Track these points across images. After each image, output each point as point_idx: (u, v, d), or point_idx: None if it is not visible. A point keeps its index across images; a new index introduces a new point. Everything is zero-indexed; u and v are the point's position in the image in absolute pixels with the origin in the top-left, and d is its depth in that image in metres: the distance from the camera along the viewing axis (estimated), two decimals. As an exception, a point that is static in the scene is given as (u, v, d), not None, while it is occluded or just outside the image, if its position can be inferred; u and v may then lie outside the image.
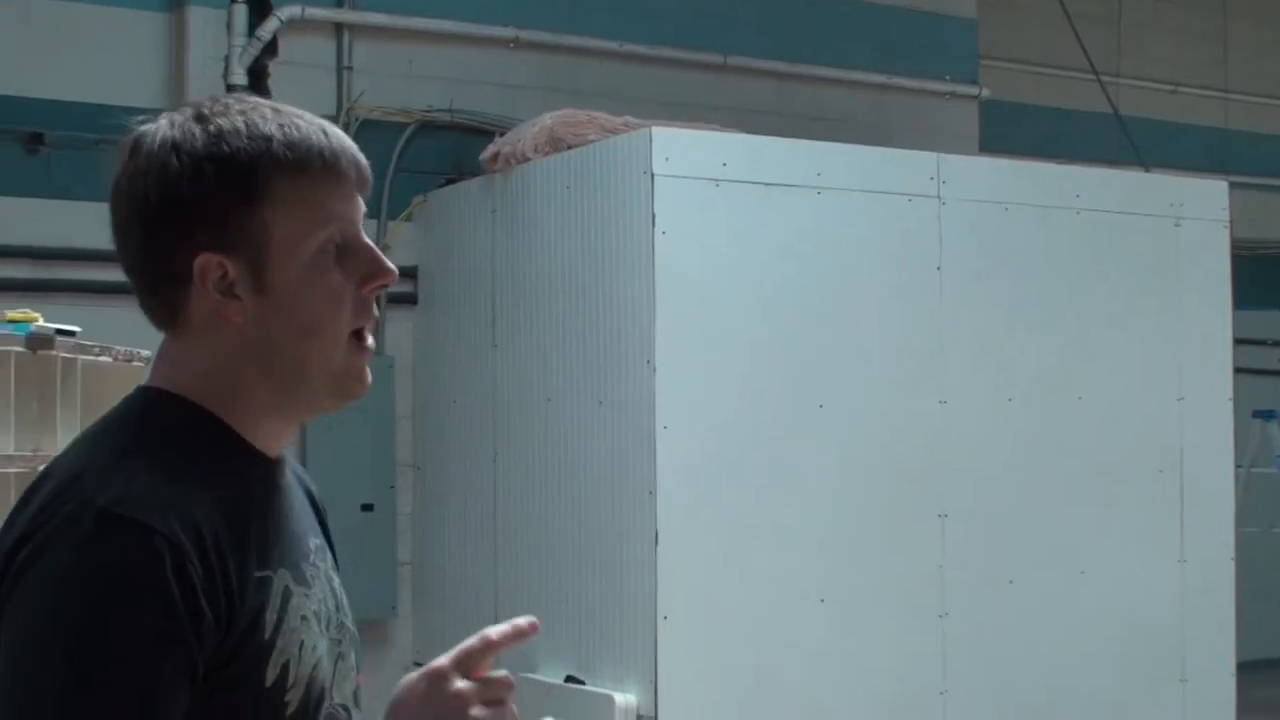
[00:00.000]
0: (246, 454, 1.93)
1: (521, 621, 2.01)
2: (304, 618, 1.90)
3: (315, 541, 2.02)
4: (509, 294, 6.59)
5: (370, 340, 1.95)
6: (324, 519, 2.13)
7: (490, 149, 6.70)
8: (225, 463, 1.89)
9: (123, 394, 5.68)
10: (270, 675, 1.83)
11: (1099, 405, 6.54)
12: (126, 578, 1.73)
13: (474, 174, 6.97)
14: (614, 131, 6.25)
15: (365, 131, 7.15)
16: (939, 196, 6.31)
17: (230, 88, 6.93)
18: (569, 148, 6.31)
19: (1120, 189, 6.83)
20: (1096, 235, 6.61)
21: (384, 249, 6.98)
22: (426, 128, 7.31)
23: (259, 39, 6.95)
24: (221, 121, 1.89)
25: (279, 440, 1.98)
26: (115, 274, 6.13)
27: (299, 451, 7.00)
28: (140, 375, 5.24)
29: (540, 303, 6.36)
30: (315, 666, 1.90)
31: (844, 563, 6.03)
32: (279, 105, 1.94)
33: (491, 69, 7.43)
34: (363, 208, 1.96)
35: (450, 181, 7.20)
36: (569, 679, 6.00)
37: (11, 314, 4.84)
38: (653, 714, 5.66)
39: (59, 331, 4.61)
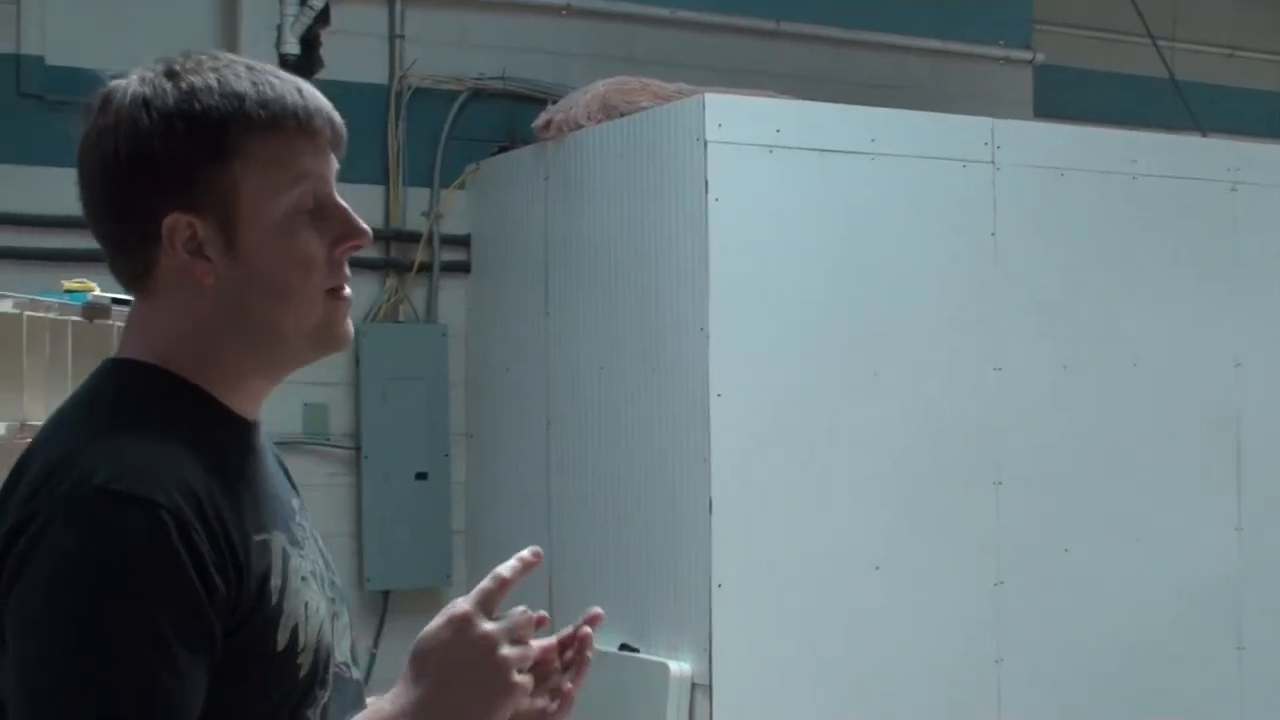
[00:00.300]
0: (226, 418, 1.91)
1: (525, 553, 1.97)
2: (304, 578, 1.89)
3: (296, 501, 2.02)
4: (562, 262, 6.59)
5: (348, 292, 1.94)
6: (292, 480, 2.10)
7: (543, 117, 6.69)
8: (207, 429, 1.87)
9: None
10: (281, 640, 1.82)
11: (1155, 371, 6.50)
12: (135, 553, 1.70)
13: (526, 142, 6.97)
14: (667, 98, 6.23)
15: (417, 100, 7.16)
16: (994, 162, 6.27)
17: (283, 57, 6.94)
18: (622, 115, 6.30)
19: (1177, 154, 6.77)
20: (1153, 200, 6.56)
21: (436, 218, 7.06)
22: (479, 96, 7.30)
23: (311, 8, 6.95)
24: (194, 78, 1.86)
25: (257, 401, 1.97)
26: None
27: (352, 421, 7.02)
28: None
29: (593, 270, 6.35)
30: (320, 628, 1.89)
31: (899, 530, 6.01)
32: (253, 63, 1.91)
33: (544, 36, 7.41)
34: (336, 167, 1.95)
35: (503, 150, 7.19)
36: (623, 647, 6.01)
37: (68, 284, 4.87)
38: (707, 682, 5.66)
39: (115, 301, 4.63)
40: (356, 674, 2.01)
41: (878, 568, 5.95)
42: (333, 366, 6.98)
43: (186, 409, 1.87)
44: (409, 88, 7.16)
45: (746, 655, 5.71)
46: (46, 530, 1.71)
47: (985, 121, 6.37)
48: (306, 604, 1.87)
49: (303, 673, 1.85)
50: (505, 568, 1.95)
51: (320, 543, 2.02)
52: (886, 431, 6.00)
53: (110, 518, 1.70)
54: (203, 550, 1.73)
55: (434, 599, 7.10)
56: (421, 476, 7.08)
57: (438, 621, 1.89)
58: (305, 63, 7.02)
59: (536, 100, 7.11)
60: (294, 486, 2.07)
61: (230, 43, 6.97)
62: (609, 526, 6.21)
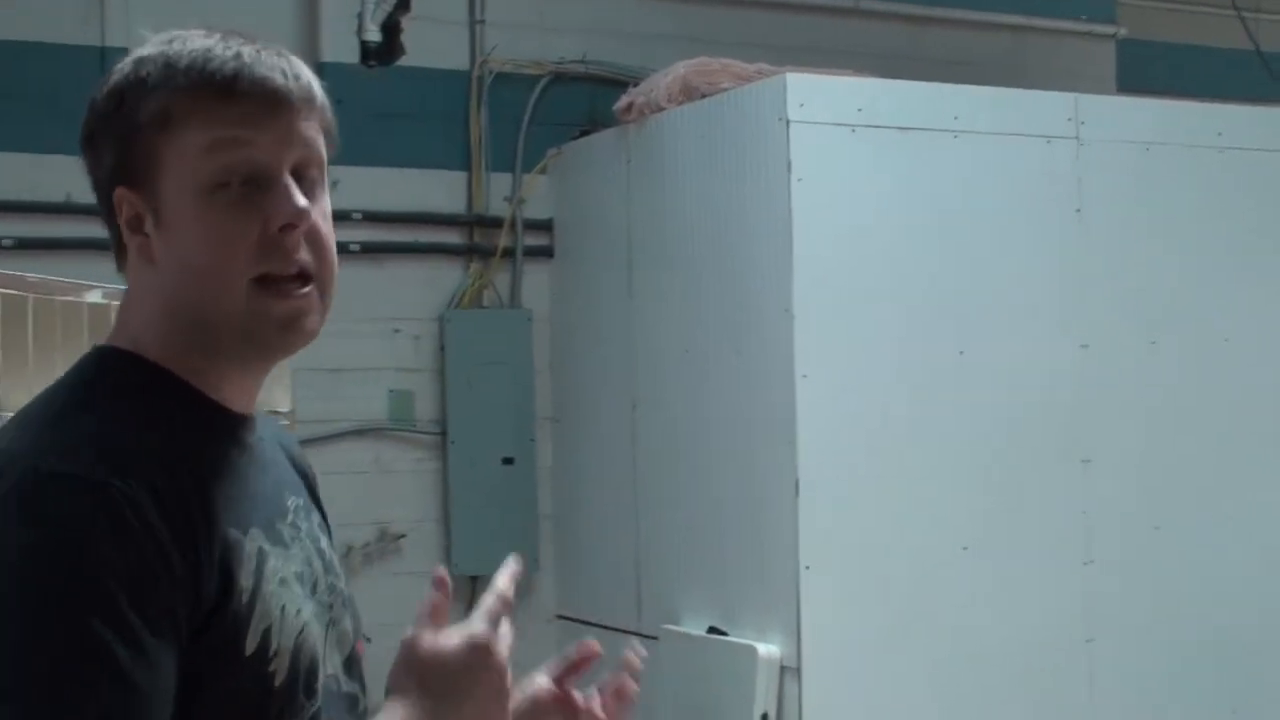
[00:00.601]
0: (204, 408, 1.81)
1: (511, 565, 1.99)
2: (283, 580, 1.77)
3: (295, 500, 1.91)
4: (645, 245, 6.58)
5: (305, 288, 1.78)
6: (311, 483, 2.02)
7: (624, 99, 6.69)
8: (181, 418, 1.77)
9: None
10: (250, 644, 1.71)
11: (1245, 346, 6.43)
12: (89, 537, 1.60)
13: (608, 125, 6.96)
14: (748, 79, 6.21)
15: (498, 85, 7.17)
16: (1078, 137, 6.22)
17: (364, 45, 6.95)
18: (703, 96, 6.28)
19: (1264, 126, 6.69)
20: (1240, 173, 6.49)
21: (519, 203, 7.06)
22: (560, 80, 7.30)
23: (392, -5, 6.97)
24: (150, 48, 1.80)
25: (238, 392, 1.84)
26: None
27: (438, 407, 7.05)
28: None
29: (676, 253, 6.35)
30: (301, 633, 1.77)
31: (987, 510, 5.98)
32: (237, 33, 1.82)
33: (624, 19, 7.41)
34: (300, 143, 1.79)
35: (584, 133, 7.19)
36: (711, 630, 6.01)
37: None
38: (796, 664, 5.65)
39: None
40: (350, 687, 1.90)
41: (966, 548, 5.92)
42: (418, 353, 7.02)
43: (155, 396, 1.77)
44: (490, 73, 7.17)
45: (835, 637, 5.70)
46: (2, 521, 1.63)
47: (1069, 97, 6.32)
48: (284, 608, 1.75)
49: (278, 680, 1.73)
50: (501, 584, 1.95)
51: (322, 544, 1.92)
52: (973, 411, 5.97)
53: (62, 503, 1.62)
54: (160, 533, 1.63)
55: (522, 584, 7.10)
56: (508, 461, 7.10)
57: (457, 643, 1.82)
58: (386, 50, 7.04)
59: (617, 83, 7.11)
60: (308, 485, 1.99)
61: (311, 31, 7.01)
62: (695, 509, 6.21)
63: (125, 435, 1.70)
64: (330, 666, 1.84)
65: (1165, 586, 6.24)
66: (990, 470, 5.99)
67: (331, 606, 1.87)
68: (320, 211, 1.83)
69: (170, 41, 1.79)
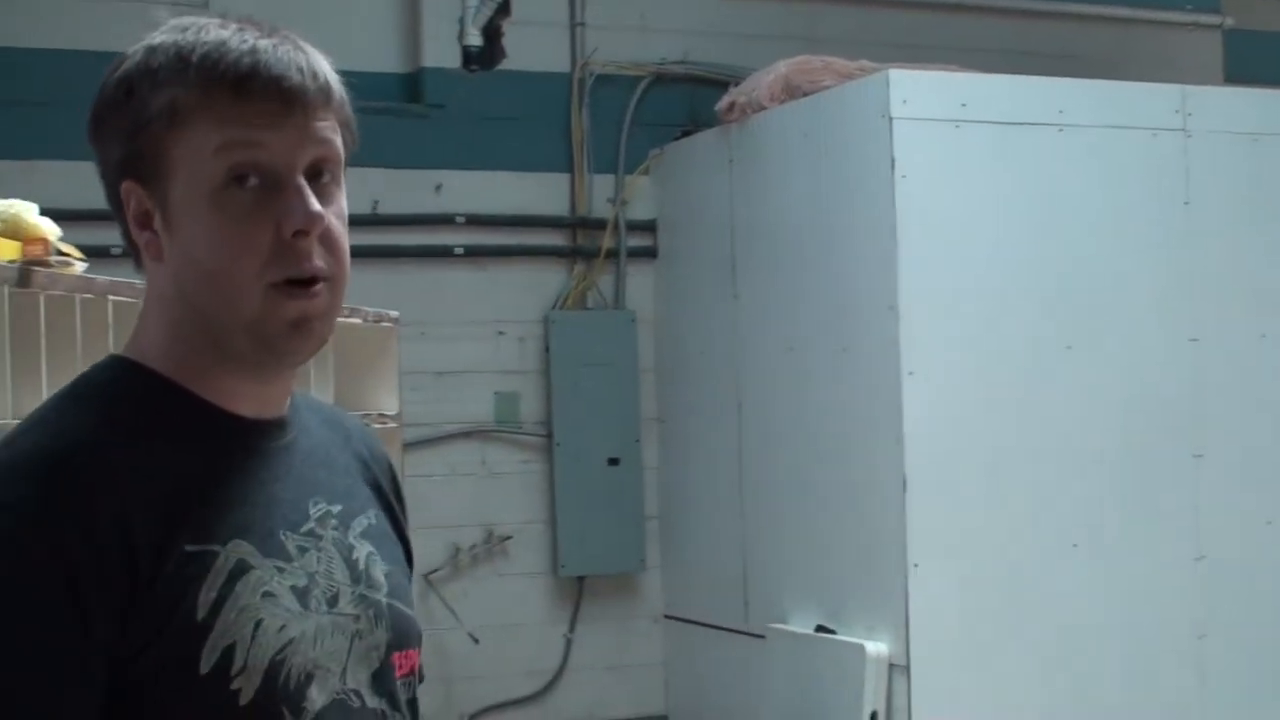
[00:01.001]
0: (203, 416, 1.72)
1: None
2: (268, 594, 1.66)
3: (327, 507, 1.79)
4: (748, 244, 6.57)
5: (316, 288, 1.70)
6: (381, 486, 1.94)
7: (725, 99, 6.68)
8: (168, 426, 1.68)
9: (373, 354, 5.76)
10: (206, 662, 1.61)
11: (1359, 339, 6.35)
12: None
13: (709, 125, 6.96)
14: (849, 76, 6.19)
15: (600, 87, 7.18)
16: (1185, 130, 6.16)
17: (465, 49, 7.00)
18: (805, 94, 6.27)
19: (1376, 114, 6.60)
20: (1352, 163, 6.40)
21: (621, 204, 7.07)
22: (661, 81, 7.31)
23: (492, -1, 7.01)
24: (164, 37, 1.70)
25: (250, 398, 1.76)
26: (363, 237, 6.22)
27: (544, 408, 7.07)
28: (390, 336, 5.33)
29: (780, 252, 6.34)
30: (284, 649, 1.66)
31: (1096, 506, 5.93)
32: (253, 23, 1.74)
33: (724, 19, 7.40)
34: (316, 143, 1.72)
35: (686, 134, 7.19)
36: (819, 628, 5.99)
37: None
38: (905, 662, 5.63)
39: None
40: (376, 702, 1.77)
41: (1075, 544, 5.88)
42: (523, 355, 7.04)
43: (148, 407, 1.69)
44: (591, 75, 7.18)
45: (944, 635, 5.67)
46: None
47: (1175, 89, 6.25)
48: (260, 623, 1.64)
49: (244, 699, 1.62)
50: None
51: (356, 553, 1.80)
52: (1082, 406, 5.92)
53: None
54: (74, 553, 1.55)
55: (628, 584, 7.13)
56: (613, 462, 7.11)
57: None
58: (488, 54, 7.08)
59: (718, 83, 7.10)
60: (378, 494, 1.92)
61: (413, 37, 7.06)
62: (802, 508, 6.19)
63: (82, 455, 1.60)
64: (351, 681, 1.73)
65: (1278, 582, 6.16)
66: (1100, 466, 5.94)
67: (358, 619, 1.76)
68: (335, 212, 1.74)
69: (184, 30, 1.71)
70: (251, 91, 1.67)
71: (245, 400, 1.75)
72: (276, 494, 1.74)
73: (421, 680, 1.90)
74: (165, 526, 1.61)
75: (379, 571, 1.82)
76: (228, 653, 1.62)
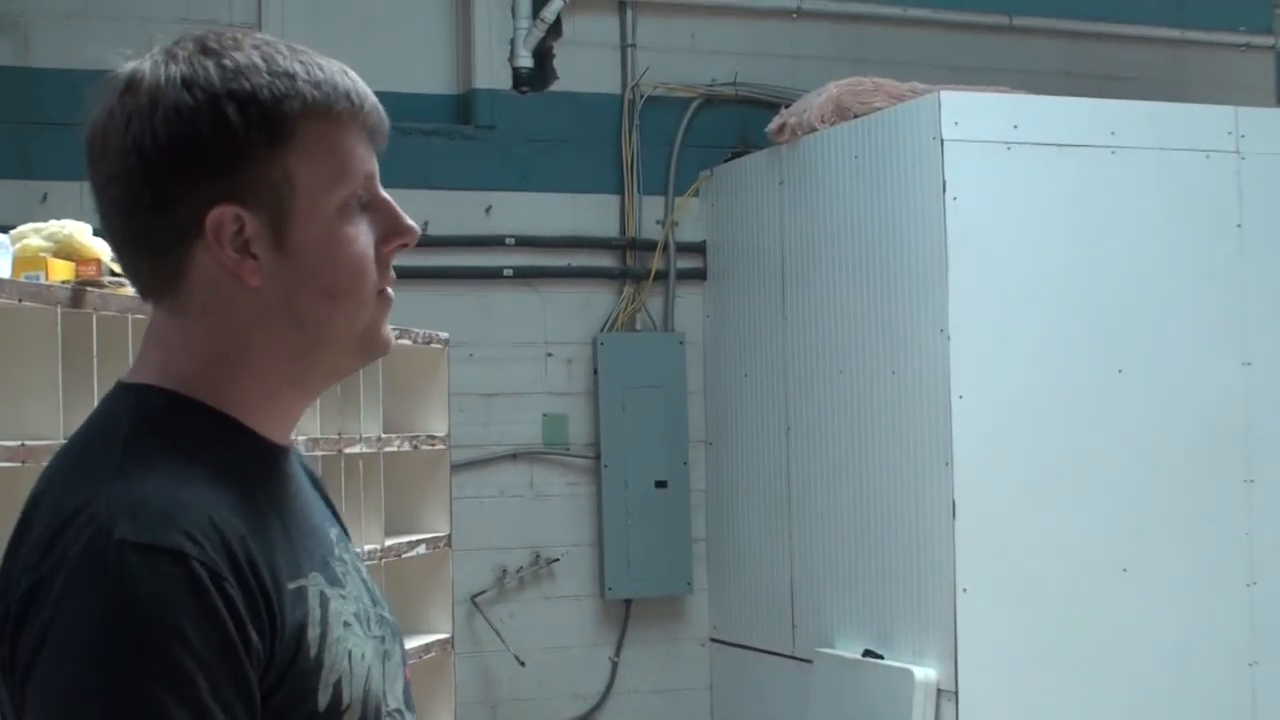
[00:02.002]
0: (256, 446, 1.70)
1: None
2: (346, 623, 1.67)
3: (335, 531, 1.80)
4: (798, 266, 6.56)
5: (391, 293, 1.73)
6: (330, 501, 1.89)
7: (776, 120, 6.68)
8: (235, 463, 1.66)
9: (422, 376, 5.76)
10: (323, 699, 1.61)
11: None
12: (172, 613, 1.49)
13: (760, 146, 6.96)
14: (900, 98, 6.18)
15: (650, 108, 7.19)
16: (1238, 151, 6.13)
17: (516, 71, 7.01)
18: (855, 116, 6.26)
19: None
20: (1407, 186, 6.36)
21: (671, 226, 7.07)
22: (711, 102, 7.31)
23: (543, 20, 7.01)
24: (237, 55, 1.64)
25: (291, 420, 1.76)
26: (413, 258, 6.23)
27: (592, 430, 7.07)
28: (440, 357, 5.34)
29: (830, 274, 6.32)
30: (367, 677, 1.68)
31: (1146, 531, 5.89)
32: (293, 44, 1.70)
33: (775, 40, 7.40)
34: (378, 156, 1.76)
35: (736, 155, 7.19)
36: (867, 653, 5.97)
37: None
38: (953, 688, 5.60)
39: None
40: (410, 718, 1.80)
41: (1125, 570, 5.84)
42: (572, 377, 7.04)
43: (211, 441, 1.66)
44: (642, 96, 7.19)
45: (992, 660, 5.64)
46: (67, 594, 1.51)
47: (1228, 110, 6.22)
48: (350, 653, 1.66)
49: None
50: None
51: (364, 572, 1.81)
52: (1132, 430, 5.89)
53: (137, 575, 1.50)
54: (238, 604, 1.53)
55: (676, 607, 7.11)
56: (661, 485, 7.10)
57: None
58: (538, 76, 7.09)
59: (769, 104, 7.11)
60: (334, 512, 1.88)
61: (464, 58, 7.08)
62: (850, 532, 6.17)
63: (193, 492, 1.58)
64: (392, 701, 1.75)
65: (1333, 609, 6.12)
66: (1150, 491, 5.90)
67: (383, 639, 1.76)
68: None
69: (256, 49, 1.67)
70: (362, 114, 1.71)
71: (285, 426, 1.74)
72: (312, 521, 1.75)
73: None
74: (271, 565, 1.60)
75: (378, 590, 1.83)
76: (337, 687, 1.63)
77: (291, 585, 1.61)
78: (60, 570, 1.51)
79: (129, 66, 1.66)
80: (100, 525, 1.52)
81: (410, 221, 1.74)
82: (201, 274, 1.65)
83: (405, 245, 1.73)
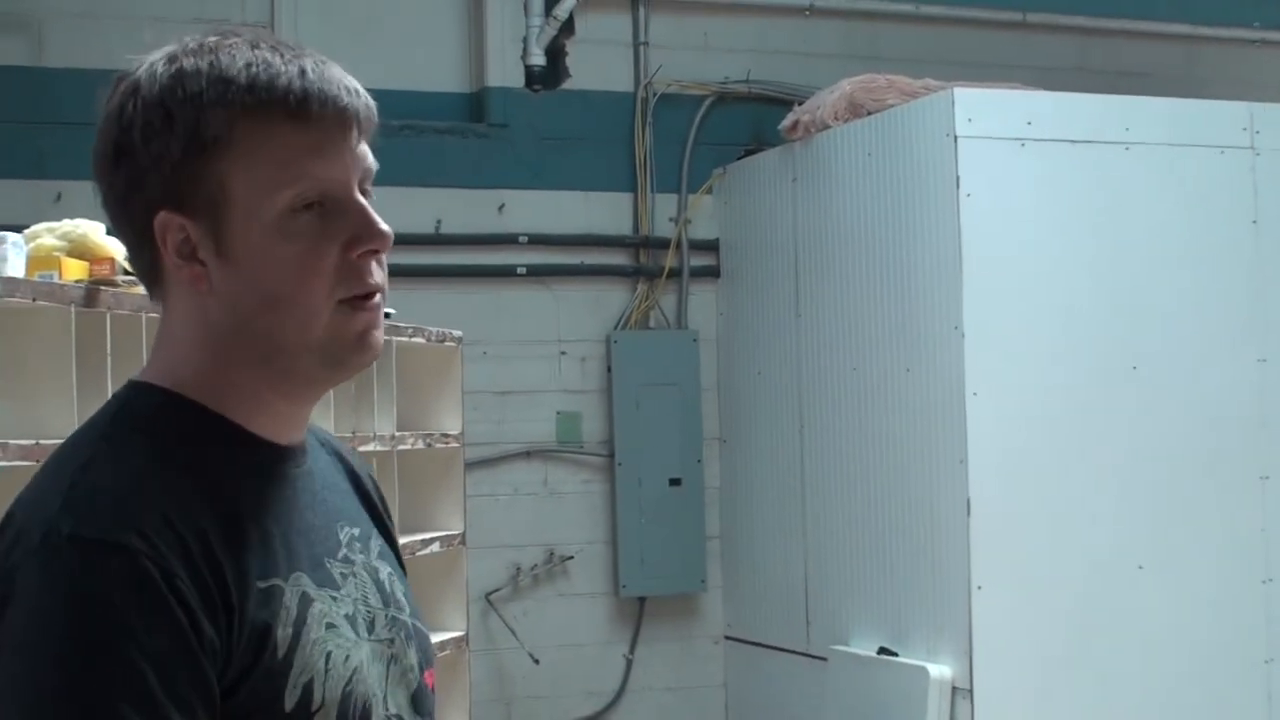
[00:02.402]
0: (248, 445, 1.69)
1: None
2: (330, 625, 1.65)
3: (351, 531, 1.78)
4: (811, 263, 6.55)
5: (376, 300, 1.69)
6: (374, 500, 1.90)
7: (789, 118, 6.67)
8: (216, 460, 1.65)
9: (436, 374, 5.76)
10: (290, 700, 1.59)
11: None
12: (121, 610, 1.49)
13: (773, 144, 6.95)
14: (914, 95, 6.17)
15: (663, 106, 7.19)
16: (1253, 147, 6.11)
17: (529, 69, 7.01)
18: (869, 113, 6.25)
19: None
20: None
21: (684, 223, 7.06)
22: (724, 100, 7.31)
23: (555, 19, 7.01)
24: (187, 62, 1.62)
25: (288, 423, 1.73)
26: (426, 256, 6.25)
27: (606, 428, 7.06)
28: (453, 356, 5.34)
29: (843, 271, 6.31)
30: (351, 680, 1.65)
31: (1161, 528, 5.89)
32: (280, 42, 1.67)
33: (788, 38, 7.39)
34: (362, 160, 1.69)
35: (749, 153, 7.18)
36: (882, 650, 5.96)
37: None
38: (968, 685, 5.59)
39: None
40: None
41: (1141, 567, 5.83)
42: (585, 375, 7.04)
43: (194, 441, 1.65)
44: (654, 94, 7.19)
45: (1007, 658, 5.63)
46: (17, 589, 1.51)
47: (1243, 106, 6.21)
48: (329, 655, 1.63)
49: None
50: None
51: (382, 575, 1.79)
52: (1148, 427, 5.88)
53: (85, 570, 1.49)
54: (190, 599, 1.52)
55: (689, 604, 7.11)
56: (675, 482, 7.10)
57: None
58: (551, 74, 7.09)
59: (782, 102, 7.10)
60: (371, 510, 1.87)
61: (477, 56, 7.07)
62: (865, 530, 6.16)
63: (152, 487, 1.57)
64: (392, 706, 1.72)
65: (1349, 606, 6.11)
66: (1166, 487, 5.90)
67: (393, 642, 1.74)
68: None
69: (214, 52, 1.64)
70: (309, 114, 1.63)
71: (281, 427, 1.72)
72: (313, 521, 1.72)
73: None
74: (238, 563, 1.59)
75: (400, 592, 1.81)
76: (307, 689, 1.60)
77: (262, 585, 1.60)
78: (18, 565, 1.52)
79: (133, 66, 1.68)
80: (54, 520, 1.52)
81: (382, 226, 1.68)
82: (170, 279, 1.67)
83: (376, 251, 1.68)
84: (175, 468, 1.61)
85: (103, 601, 1.49)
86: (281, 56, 1.64)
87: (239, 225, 1.63)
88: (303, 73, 1.63)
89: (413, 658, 1.78)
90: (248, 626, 1.57)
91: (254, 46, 1.64)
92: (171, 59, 1.64)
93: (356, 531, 1.78)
